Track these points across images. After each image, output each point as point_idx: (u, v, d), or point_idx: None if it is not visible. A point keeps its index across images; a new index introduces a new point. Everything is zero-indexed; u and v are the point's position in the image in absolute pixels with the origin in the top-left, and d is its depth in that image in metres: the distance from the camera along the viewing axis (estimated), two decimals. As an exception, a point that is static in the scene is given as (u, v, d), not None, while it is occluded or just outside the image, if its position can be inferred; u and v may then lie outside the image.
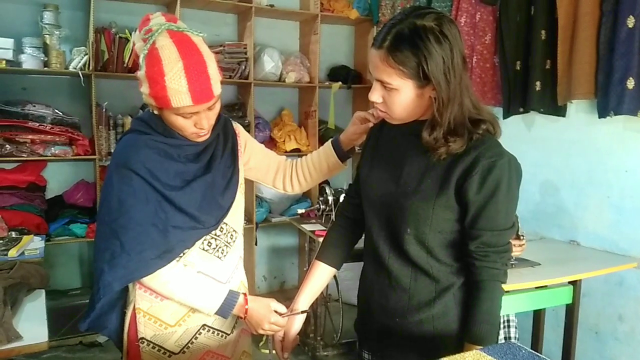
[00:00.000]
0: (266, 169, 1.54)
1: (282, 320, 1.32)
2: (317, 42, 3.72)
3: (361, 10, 3.82)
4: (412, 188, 1.15)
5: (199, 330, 1.34)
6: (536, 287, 2.09)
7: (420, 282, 1.19)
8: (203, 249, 1.32)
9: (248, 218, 3.57)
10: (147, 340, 1.31)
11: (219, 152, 1.36)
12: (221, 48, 3.40)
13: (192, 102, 1.15)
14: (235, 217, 1.39)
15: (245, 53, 3.48)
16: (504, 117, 2.83)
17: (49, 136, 2.86)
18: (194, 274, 1.28)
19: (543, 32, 2.61)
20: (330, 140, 1.53)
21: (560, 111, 2.67)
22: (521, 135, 2.93)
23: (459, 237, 1.16)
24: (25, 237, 2.33)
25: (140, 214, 1.20)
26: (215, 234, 1.34)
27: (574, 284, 2.17)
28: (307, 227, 2.90)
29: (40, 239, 2.38)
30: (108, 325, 1.33)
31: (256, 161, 1.51)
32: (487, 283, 1.13)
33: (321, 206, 2.93)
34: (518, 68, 2.77)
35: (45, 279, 1.83)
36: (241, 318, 1.33)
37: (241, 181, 1.42)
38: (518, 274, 2.08)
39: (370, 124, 1.38)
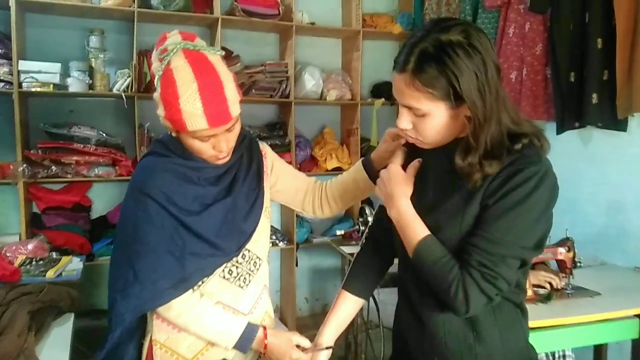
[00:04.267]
0: (295, 191, 1.45)
1: (304, 356, 1.22)
2: (359, 59, 3.64)
3: (404, 24, 3.72)
4: (446, 215, 1.03)
5: None
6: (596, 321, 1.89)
7: (453, 324, 1.06)
8: (223, 277, 1.25)
9: (289, 238, 3.50)
10: None
11: (242, 174, 1.30)
12: (262, 67, 3.39)
13: (207, 125, 1.09)
14: (259, 243, 1.31)
15: (287, 72, 3.45)
16: (558, 133, 2.64)
17: (93, 157, 2.91)
18: (210, 305, 1.21)
19: (599, 40, 2.41)
20: (361, 160, 1.43)
21: (620, 125, 2.45)
22: (577, 152, 2.72)
23: None
24: (64, 258, 2.35)
25: (155, 240, 1.15)
26: (237, 261, 1.26)
27: (641, 316, 1.94)
28: (347, 249, 2.79)
29: (79, 260, 2.41)
30: (125, 357, 1.27)
31: (284, 183, 1.43)
32: (455, 283, 0.97)
33: (361, 227, 2.82)
34: (572, 80, 2.58)
35: (77, 302, 1.82)
36: (262, 353, 1.24)
37: (266, 204, 1.35)
38: (575, 305, 1.88)
39: (403, 141, 1.28)
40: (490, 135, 0.97)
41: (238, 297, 1.26)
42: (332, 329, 1.25)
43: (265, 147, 1.41)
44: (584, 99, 2.49)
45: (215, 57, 1.15)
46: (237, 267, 1.26)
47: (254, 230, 1.29)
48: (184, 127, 1.10)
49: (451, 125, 1.00)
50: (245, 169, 1.31)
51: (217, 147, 1.16)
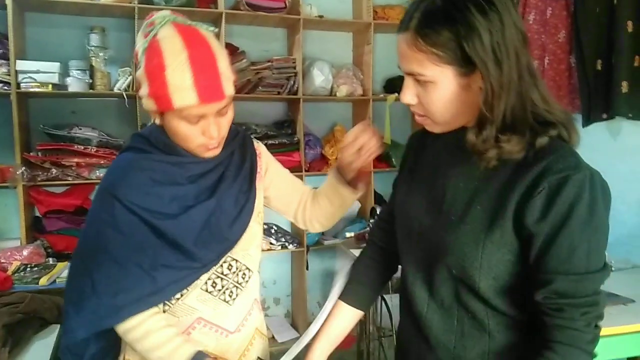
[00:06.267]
0: (289, 199, 1.29)
1: None
2: (371, 53, 3.48)
3: (418, 16, 3.55)
4: (456, 217, 0.88)
5: None
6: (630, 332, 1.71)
7: (468, 339, 0.90)
8: (206, 290, 1.10)
9: (299, 241, 3.37)
10: None
11: (231, 173, 1.14)
12: (269, 64, 3.27)
13: (198, 100, 0.95)
14: (249, 252, 1.17)
15: (294, 68, 3.31)
16: (584, 125, 2.46)
17: (94, 159, 2.82)
18: (161, 325, 1.05)
19: (630, 23, 2.23)
20: (332, 171, 1.25)
21: (653, 116, 2.26)
22: (605, 145, 2.53)
23: (523, 281, 0.86)
24: (59, 265, 2.25)
25: (120, 249, 1.01)
26: (222, 273, 1.12)
27: (680, 326, 1.75)
28: (357, 253, 2.63)
29: (76, 265, 2.30)
30: None
31: (278, 189, 1.27)
32: (561, 348, 0.80)
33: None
34: (599, 68, 2.40)
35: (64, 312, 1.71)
36: None
37: (259, 209, 1.20)
38: (605, 313, 1.70)
39: (366, 138, 1.09)
40: (510, 107, 0.81)
41: (223, 314, 1.12)
42: (325, 344, 1.10)
43: (260, 147, 1.27)
44: (612, 88, 2.31)
45: (207, 32, 1.02)
46: (221, 280, 1.12)
47: (239, 238, 1.14)
48: (169, 104, 0.96)
49: (462, 98, 0.84)
50: (235, 168, 1.16)
51: (207, 133, 1.01)
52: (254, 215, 1.17)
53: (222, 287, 1.12)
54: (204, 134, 1.02)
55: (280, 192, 1.28)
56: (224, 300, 1.13)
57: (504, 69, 0.79)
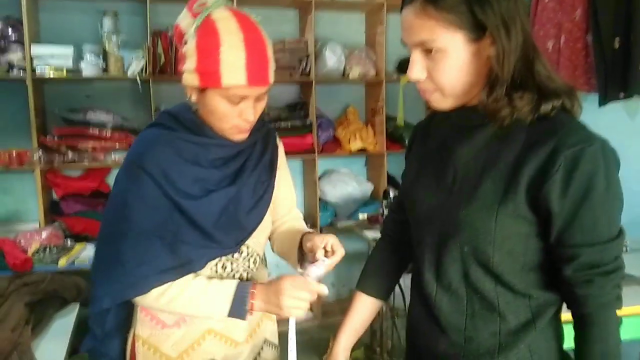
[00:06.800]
0: (276, 212, 1.27)
1: (307, 285, 1.04)
2: (384, 33, 3.45)
3: (431, -5, 3.49)
4: (466, 193, 0.88)
5: None
6: (644, 312, 1.70)
7: (478, 320, 0.91)
8: (216, 272, 1.12)
9: (312, 222, 3.39)
10: None
11: (252, 163, 1.15)
12: (281, 45, 3.25)
13: (246, 81, 0.98)
14: (261, 239, 1.20)
15: (307, 49, 3.30)
16: (600, 105, 2.41)
17: (109, 142, 2.86)
18: (191, 278, 1.07)
19: (649, -1, 2.17)
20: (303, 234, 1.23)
21: (672, 95, 2.22)
22: (622, 125, 2.48)
23: (542, 259, 0.87)
24: (77, 246, 2.30)
25: (146, 221, 1.02)
26: (233, 256, 1.14)
27: (696, 307, 1.74)
28: (370, 234, 2.65)
29: (93, 247, 2.34)
30: (109, 352, 1.16)
31: (278, 190, 1.24)
32: (596, 316, 0.83)
33: (385, 211, 2.67)
34: (616, 46, 2.34)
35: (84, 292, 1.75)
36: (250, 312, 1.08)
37: (272, 200, 1.21)
38: (622, 294, 1.70)
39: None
40: (518, 68, 0.83)
41: None
42: (348, 335, 1.12)
43: (280, 144, 1.28)
44: (630, 66, 2.26)
45: (256, 20, 1.04)
46: (232, 263, 1.14)
47: (255, 228, 1.15)
48: (217, 81, 0.97)
49: (471, 67, 0.85)
50: (256, 159, 1.17)
51: (244, 115, 1.03)
52: (269, 206, 1.19)
53: (232, 270, 1.14)
54: (240, 115, 1.03)
55: (276, 197, 1.25)
56: None
57: (512, 34, 0.81)
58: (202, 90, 1.02)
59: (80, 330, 1.52)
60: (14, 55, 2.69)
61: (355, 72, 3.39)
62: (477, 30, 0.81)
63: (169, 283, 1.04)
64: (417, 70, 0.87)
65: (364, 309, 1.14)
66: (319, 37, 3.43)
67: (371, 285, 1.14)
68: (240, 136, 1.09)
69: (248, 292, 1.05)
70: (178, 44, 1.04)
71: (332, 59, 3.34)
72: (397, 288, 2.52)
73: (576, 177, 0.79)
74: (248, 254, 1.16)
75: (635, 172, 2.39)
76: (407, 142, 1.10)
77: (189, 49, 0.99)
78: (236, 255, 1.14)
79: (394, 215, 1.17)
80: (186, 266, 1.07)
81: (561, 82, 0.86)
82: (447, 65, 0.84)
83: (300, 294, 1.03)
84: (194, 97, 1.05)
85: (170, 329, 1.11)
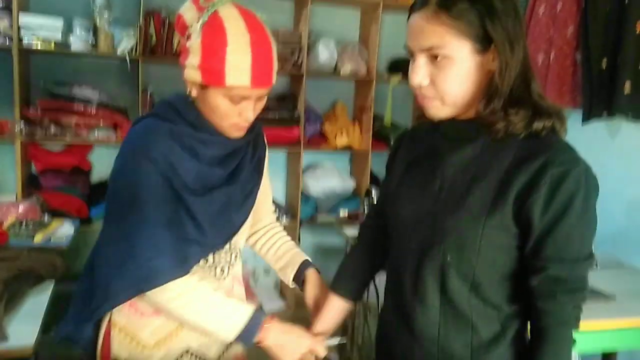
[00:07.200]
0: (258, 209, 1.27)
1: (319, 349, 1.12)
2: (377, 33, 3.45)
3: (428, -2, 3.51)
4: (454, 202, 0.91)
5: (180, 355, 1.14)
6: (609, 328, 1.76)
7: (451, 330, 0.93)
8: (198, 264, 1.12)
9: (292, 214, 3.40)
10: None
11: (247, 161, 1.17)
12: (274, 36, 3.22)
13: (250, 83, 0.99)
14: (244, 235, 1.22)
15: (300, 42, 3.29)
16: (584, 122, 2.47)
17: (93, 119, 2.82)
18: (211, 290, 1.07)
19: (639, 24, 2.22)
20: (303, 262, 1.28)
21: (653, 118, 2.28)
22: (603, 144, 2.55)
23: (517, 271, 0.91)
24: (54, 222, 2.27)
25: (156, 213, 1.01)
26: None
27: (657, 325, 1.80)
28: (349, 232, 2.68)
29: (71, 225, 2.32)
30: (80, 338, 1.14)
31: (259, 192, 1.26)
32: (553, 333, 0.87)
33: (366, 209, 2.69)
34: (603, 67, 2.40)
35: (60, 269, 1.73)
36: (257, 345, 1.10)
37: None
38: (586, 308, 1.74)
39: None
40: (517, 84, 0.88)
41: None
42: (320, 333, 1.16)
43: (266, 146, 1.29)
44: (616, 88, 2.32)
45: (262, 19, 1.05)
46: (214, 255, 1.15)
47: (242, 225, 1.17)
48: (221, 80, 0.98)
49: (474, 77, 0.88)
50: (249, 157, 1.19)
51: (244, 114, 1.04)
52: (254, 204, 1.21)
53: (214, 262, 1.15)
54: (240, 114, 1.04)
55: (260, 193, 1.26)
56: (214, 276, 1.15)
57: (515, 51, 0.86)
58: (203, 87, 1.02)
59: (54, 309, 1.51)
60: (1, 23, 2.62)
61: (346, 69, 3.39)
62: (484, 42, 0.85)
63: (188, 286, 1.04)
64: (421, 75, 0.89)
65: (334, 310, 1.17)
66: (313, 31, 3.42)
67: (344, 287, 1.18)
68: (237, 134, 1.10)
69: (260, 324, 1.07)
70: (180, 35, 1.04)
71: (325, 53, 3.34)
72: (371, 285, 2.57)
73: (559, 194, 0.83)
74: (230, 249, 1.17)
75: (612, 192, 2.46)
76: (391, 146, 1.11)
77: (194, 45, 0.99)
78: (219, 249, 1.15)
79: (371, 221, 1.20)
80: (192, 259, 1.07)
81: (551, 103, 0.90)
82: (452, 73, 0.87)
83: (307, 356, 1.10)
84: (194, 93, 1.05)
85: (149, 318, 1.11)
